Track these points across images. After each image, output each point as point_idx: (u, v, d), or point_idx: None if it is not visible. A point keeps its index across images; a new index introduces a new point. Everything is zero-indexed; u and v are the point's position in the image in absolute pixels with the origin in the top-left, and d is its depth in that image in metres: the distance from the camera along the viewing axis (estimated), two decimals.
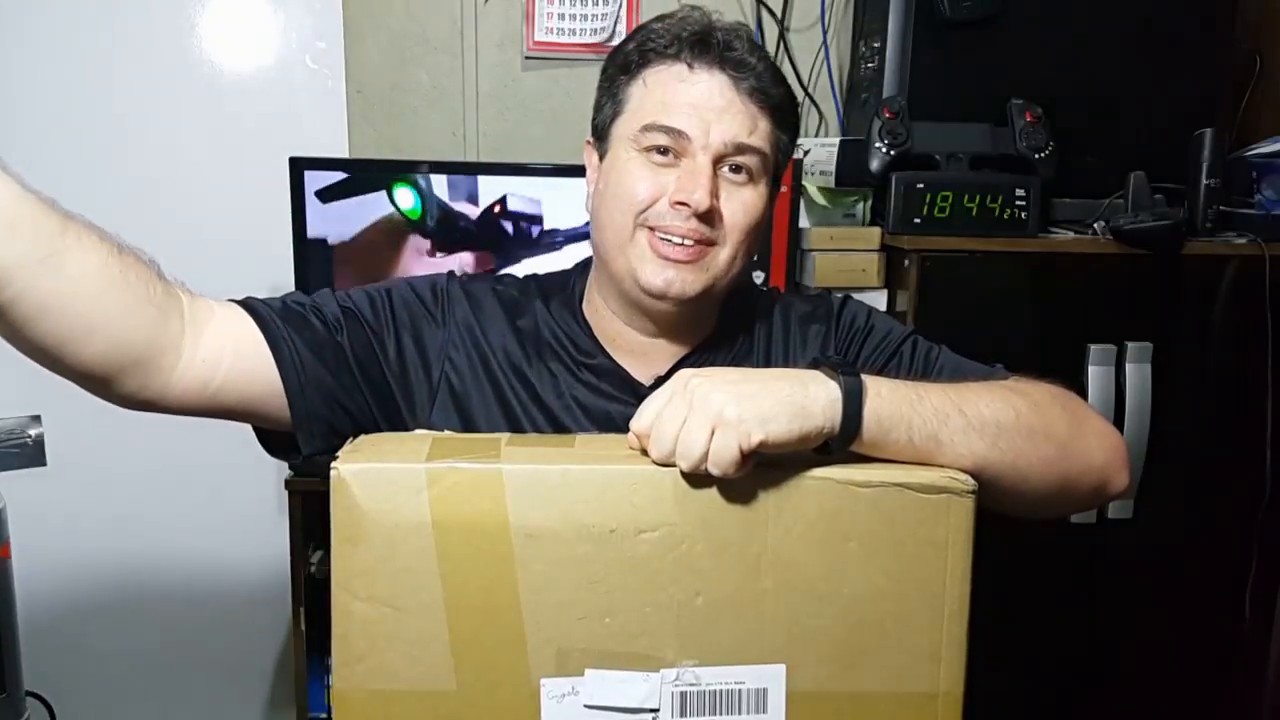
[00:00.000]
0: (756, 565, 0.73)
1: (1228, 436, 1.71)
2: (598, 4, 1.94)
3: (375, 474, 0.72)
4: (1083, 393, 1.63)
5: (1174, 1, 1.74)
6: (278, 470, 1.89)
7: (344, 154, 1.91)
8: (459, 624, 0.72)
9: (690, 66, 0.91)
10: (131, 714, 2.03)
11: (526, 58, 1.96)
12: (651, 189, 0.91)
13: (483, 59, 1.96)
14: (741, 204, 0.92)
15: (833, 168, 1.73)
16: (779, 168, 0.97)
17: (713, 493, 0.72)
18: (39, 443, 1.54)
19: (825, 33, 1.99)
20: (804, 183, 1.74)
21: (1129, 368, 1.64)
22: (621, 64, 0.96)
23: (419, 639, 0.72)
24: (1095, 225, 1.67)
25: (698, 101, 0.90)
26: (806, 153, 1.81)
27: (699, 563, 0.72)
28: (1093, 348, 1.63)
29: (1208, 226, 1.67)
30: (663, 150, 0.91)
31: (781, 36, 2.00)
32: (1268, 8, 1.94)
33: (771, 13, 1.99)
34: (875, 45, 1.78)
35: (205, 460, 1.92)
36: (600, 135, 0.98)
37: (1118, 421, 1.63)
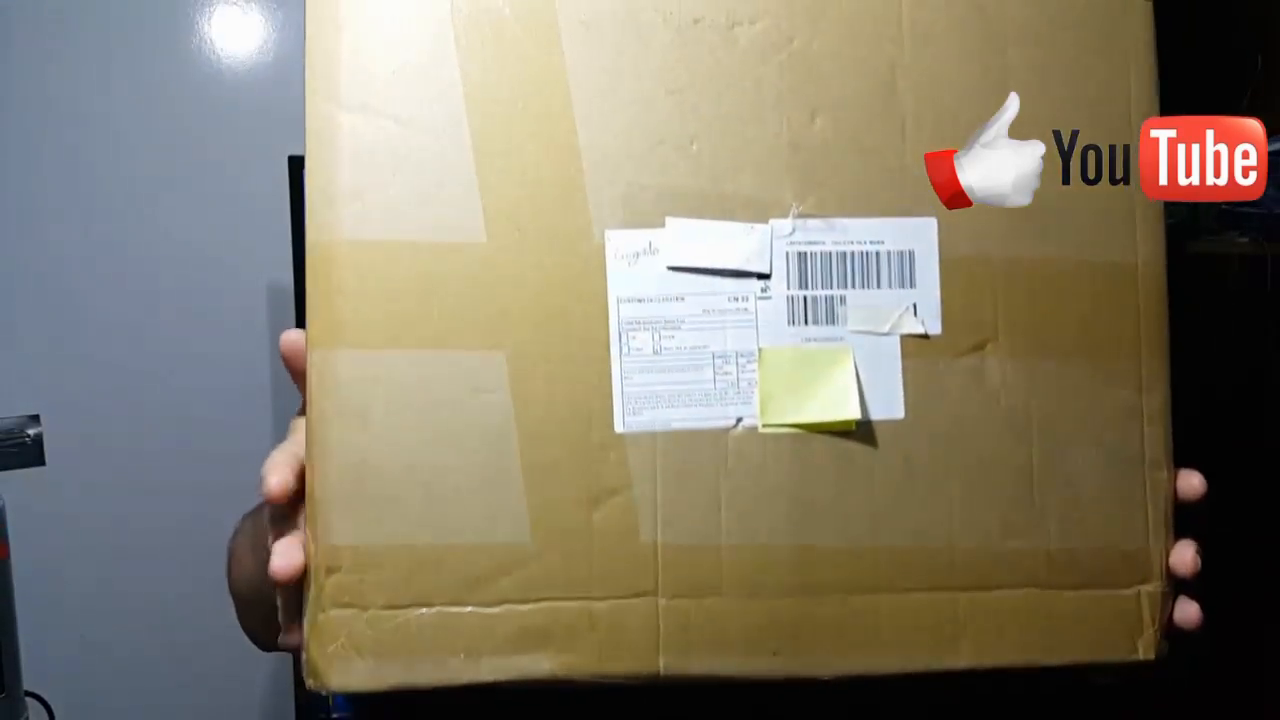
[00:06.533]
0: (890, 81, 0.54)
1: (1228, 436, 1.71)
2: None
3: None
4: None
5: (1174, 1, 1.74)
6: None
7: None
8: (486, 151, 0.52)
9: None
10: (131, 714, 2.03)
11: None
12: None
13: None
14: None
15: None
16: None
17: None
18: (39, 443, 1.54)
19: None
20: None
21: None
22: None
23: (432, 166, 0.52)
24: None
25: None
26: None
27: (815, 69, 0.54)
28: None
29: (1209, 226, 1.67)
30: None
31: None
32: (1268, 8, 1.93)
33: None
34: None
35: (206, 461, 1.92)
36: None
37: None
